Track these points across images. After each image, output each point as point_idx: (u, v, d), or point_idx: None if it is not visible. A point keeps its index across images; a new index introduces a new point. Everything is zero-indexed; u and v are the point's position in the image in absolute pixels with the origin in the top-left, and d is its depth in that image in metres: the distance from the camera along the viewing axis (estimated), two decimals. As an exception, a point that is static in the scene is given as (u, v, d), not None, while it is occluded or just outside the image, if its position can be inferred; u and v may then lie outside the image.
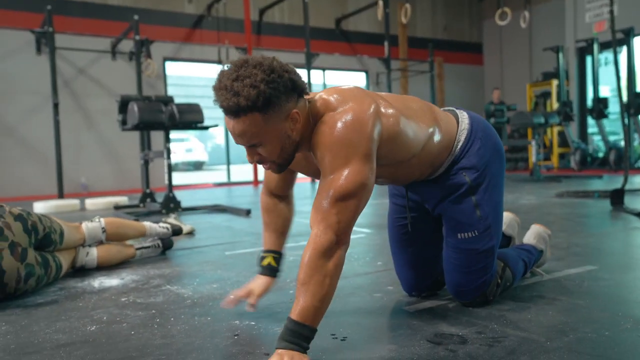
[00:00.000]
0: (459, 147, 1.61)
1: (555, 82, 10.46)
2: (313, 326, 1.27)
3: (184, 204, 5.20)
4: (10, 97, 8.57)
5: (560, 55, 9.90)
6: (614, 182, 6.92)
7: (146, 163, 5.82)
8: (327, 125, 1.32)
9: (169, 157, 4.98)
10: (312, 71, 8.99)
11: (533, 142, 8.26)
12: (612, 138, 10.94)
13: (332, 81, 12.32)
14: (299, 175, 1.68)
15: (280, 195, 1.71)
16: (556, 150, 10.82)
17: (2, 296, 1.96)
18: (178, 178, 11.82)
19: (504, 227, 2.02)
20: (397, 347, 1.38)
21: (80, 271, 2.49)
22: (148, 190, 5.83)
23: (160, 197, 5.82)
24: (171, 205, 4.98)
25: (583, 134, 11.31)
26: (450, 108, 1.74)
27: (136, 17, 7.81)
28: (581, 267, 2.23)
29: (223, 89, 1.25)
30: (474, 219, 1.60)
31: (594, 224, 3.54)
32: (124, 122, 5.21)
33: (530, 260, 1.93)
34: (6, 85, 8.51)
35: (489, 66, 14.60)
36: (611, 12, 4.53)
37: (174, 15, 10.00)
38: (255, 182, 9.33)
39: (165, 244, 2.83)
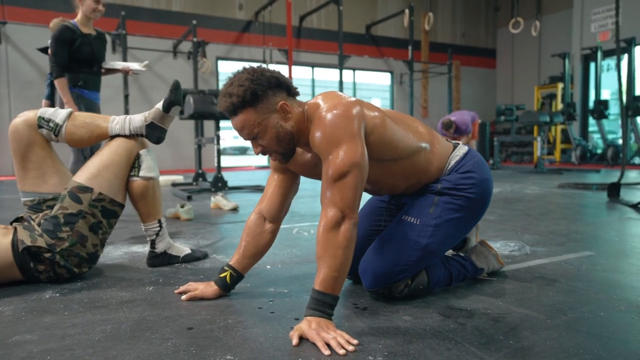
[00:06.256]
0: (448, 167, 1.54)
1: (560, 85, 10.14)
2: (334, 294, 1.24)
3: (230, 184, 5.24)
4: (88, 88, 8.75)
5: (567, 61, 9.56)
6: (610, 176, 6.65)
7: (199, 147, 5.87)
8: (316, 122, 1.31)
9: (218, 143, 5.00)
10: (344, 71, 8.89)
11: (538, 138, 8.02)
12: (610, 137, 10.52)
13: (361, 80, 12.16)
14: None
15: (268, 218, 1.55)
16: (559, 146, 10.51)
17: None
18: (226, 161, 11.95)
19: None
20: (412, 319, 1.35)
21: (142, 238, 2.53)
22: (200, 171, 5.89)
23: (210, 177, 5.88)
24: (219, 184, 5.02)
25: (584, 132, 10.92)
26: (456, 142, 1.64)
27: (194, 21, 7.84)
28: (580, 252, 2.15)
29: (222, 95, 1.32)
30: (425, 211, 1.50)
31: (592, 214, 3.40)
32: (181, 112, 5.24)
33: (460, 274, 1.65)
34: (86, 79, 8.69)
35: (500, 70, 14.18)
36: (617, 23, 4.31)
37: (226, 21, 10.01)
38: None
39: None
